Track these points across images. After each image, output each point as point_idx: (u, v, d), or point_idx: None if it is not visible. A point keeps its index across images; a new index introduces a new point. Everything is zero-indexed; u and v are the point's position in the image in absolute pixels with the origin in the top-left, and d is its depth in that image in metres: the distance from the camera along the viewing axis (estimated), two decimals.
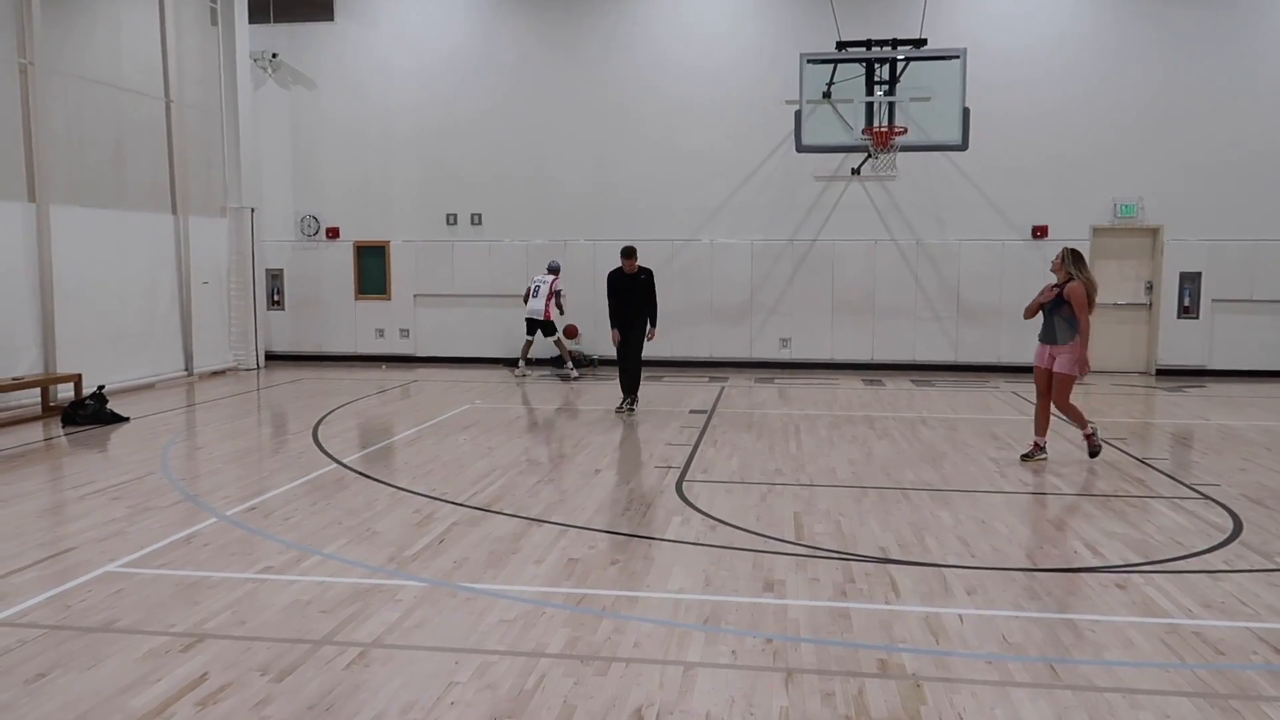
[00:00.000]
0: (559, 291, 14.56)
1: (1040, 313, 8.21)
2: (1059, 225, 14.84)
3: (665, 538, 6.00)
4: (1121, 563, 5.56)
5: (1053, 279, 8.23)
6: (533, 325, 14.54)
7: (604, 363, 15.60)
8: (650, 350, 10.79)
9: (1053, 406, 8.25)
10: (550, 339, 14.66)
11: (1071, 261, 8.00)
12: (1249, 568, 5.45)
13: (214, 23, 15.12)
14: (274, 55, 16.29)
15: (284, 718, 3.61)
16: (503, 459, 8.40)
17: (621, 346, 10.88)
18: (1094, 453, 8.31)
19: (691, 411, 11.20)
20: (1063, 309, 7.97)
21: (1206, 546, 5.86)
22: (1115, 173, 14.70)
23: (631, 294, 10.67)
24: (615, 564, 5.49)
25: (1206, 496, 7.11)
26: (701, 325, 15.65)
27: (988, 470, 8.00)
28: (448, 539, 5.95)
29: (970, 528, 6.28)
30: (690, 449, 8.89)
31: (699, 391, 13.02)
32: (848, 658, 4.21)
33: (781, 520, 6.42)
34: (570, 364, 14.69)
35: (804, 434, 9.73)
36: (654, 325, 10.85)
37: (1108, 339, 14.97)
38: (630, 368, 10.91)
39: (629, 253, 10.64)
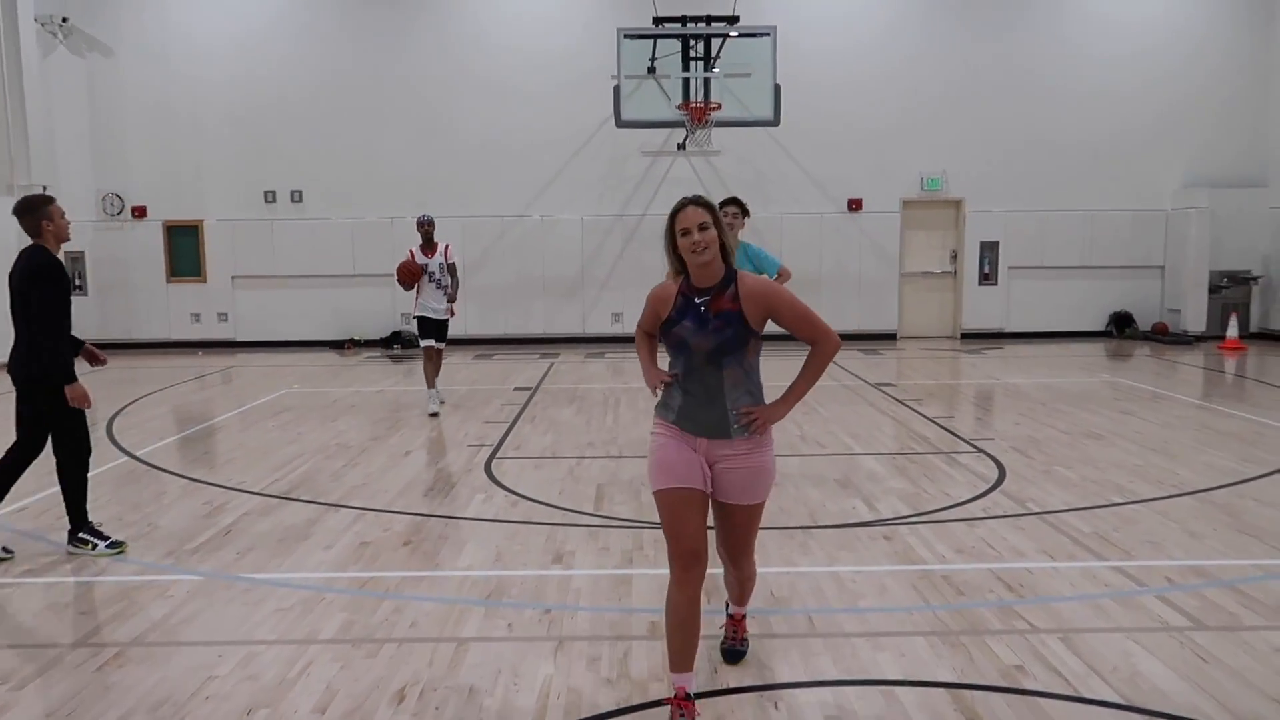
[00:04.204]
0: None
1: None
2: (871, 198, 15.59)
3: (464, 516, 6.01)
4: (893, 516, 5.95)
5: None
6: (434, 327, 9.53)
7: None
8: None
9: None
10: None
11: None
12: (1002, 514, 5.94)
13: None
14: (64, 19, 15.09)
15: None
16: (311, 444, 8.17)
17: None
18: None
19: (515, 389, 11.19)
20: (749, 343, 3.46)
21: (970, 496, 6.35)
22: (921, 148, 15.53)
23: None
24: (407, 545, 5.46)
25: (980, 450, 7.68)
26: (534, 301, 15.61)
27: (790, 435, 8.35)
28: (235, 530, 5.76)
29: None
30: (507, 426, 8.90)
31: (528, 368, 13.01)
32: (621, 623, 4.35)
33: (583, 493, 6.53)
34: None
35: (624, 407, 9.90)
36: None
37: (918, 306, 15.99)
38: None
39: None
